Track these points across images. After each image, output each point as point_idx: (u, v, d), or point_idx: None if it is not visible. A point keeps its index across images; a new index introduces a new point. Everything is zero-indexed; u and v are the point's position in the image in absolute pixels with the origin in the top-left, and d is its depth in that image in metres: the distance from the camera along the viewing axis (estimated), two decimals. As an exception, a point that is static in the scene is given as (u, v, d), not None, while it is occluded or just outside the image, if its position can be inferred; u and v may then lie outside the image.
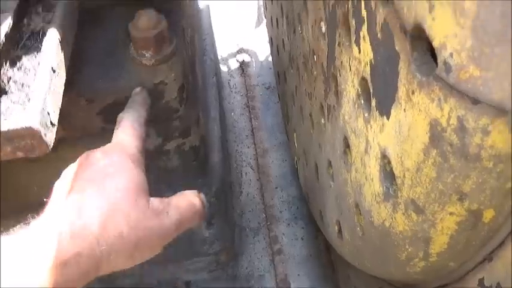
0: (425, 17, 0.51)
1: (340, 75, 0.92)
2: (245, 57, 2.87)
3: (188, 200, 1.09)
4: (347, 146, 0.96)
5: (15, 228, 0.90)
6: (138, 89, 1.30)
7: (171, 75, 1.35)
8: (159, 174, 1.57)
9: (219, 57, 2.77)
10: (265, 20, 2.80)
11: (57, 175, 1.45)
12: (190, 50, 1.72)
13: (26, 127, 1.00)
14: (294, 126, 1.72)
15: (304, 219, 2.12)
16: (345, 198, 1.03)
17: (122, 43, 1.39)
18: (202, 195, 1.14)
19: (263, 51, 2.87)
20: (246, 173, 2.29)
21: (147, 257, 1.00)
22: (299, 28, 1.30)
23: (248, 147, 2.39)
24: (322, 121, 1.15)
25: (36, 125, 1.00)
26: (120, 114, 1.22)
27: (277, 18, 1.82)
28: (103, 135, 1.45)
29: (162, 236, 1.01)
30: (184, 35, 1.57)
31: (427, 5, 0.50)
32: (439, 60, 0.51)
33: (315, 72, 1.16)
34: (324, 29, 1.02)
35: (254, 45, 2.94)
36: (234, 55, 2.91)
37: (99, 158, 1.05)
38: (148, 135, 1.44)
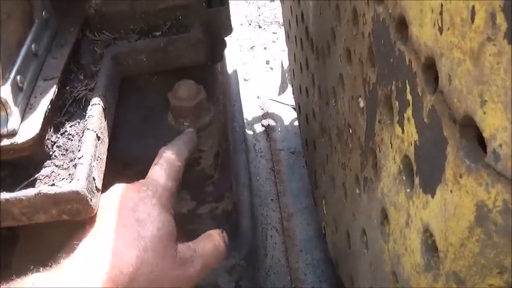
0: (477, 110, 0.56)
1: (380, 150, 0.96)
2: (270, 122, 2.92)
3: (213, 244, 1.16)
4: (385, 217, 0.99)
5: (50, 265, 0.94)
6: (190, 129, 1.34)
7: (208, 143, 1.40)
8: (191, 238, 1.60)
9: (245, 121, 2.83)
10: (289, 86, 2.87)
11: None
12: (223, 117, 1.78)
13: (73, 191, 1.04)
14: (323, 193, 1.75)
15: (328, 281, 2.14)
16: (381, 266, 1.06)
17: (160, 111, 1.45)
18: (224, 235, 1.21)
19: (288, 116, 2.92)
20: (271, 236, 2.32)
21: None
22: (333, 101, 1.35)
23: (273, 210, 2.42)
24: (357, 191, 1.19)
25: (83, 190, 1.05)
26: (162, 149, 1.25)
27: (306, 88, 1.87)
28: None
29: (186, 283, 1.07)
30: (219, 102, 1.63)
31: (479, 100, 0.55)
32: (489, 149, 0.56)
33: (350, 145, 1.21)
34: (362, 105, 1.07)
35: (279, 109, 3.00)
36: (259, 119, 2.97)
37: (131, 199, 1.10)
38: (183, 198, 1.48)
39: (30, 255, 1.58)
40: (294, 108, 2.83)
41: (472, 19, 0.55)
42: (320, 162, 1.73)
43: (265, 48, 3.89)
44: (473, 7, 0.54)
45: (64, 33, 1.41)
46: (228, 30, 1.53)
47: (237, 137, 2.18)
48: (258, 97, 3.19)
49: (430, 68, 0.70)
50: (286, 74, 3.21)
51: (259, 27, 4.23)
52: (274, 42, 3.97)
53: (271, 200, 2.48)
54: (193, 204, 1.53)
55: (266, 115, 2.99)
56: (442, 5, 0.62)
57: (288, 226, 2.36)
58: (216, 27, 1.50)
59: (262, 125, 2.93)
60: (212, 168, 1.45)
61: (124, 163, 1.43)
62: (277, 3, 4.23)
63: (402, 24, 0.79)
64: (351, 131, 1.19)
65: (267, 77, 3.47)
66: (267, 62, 3.68)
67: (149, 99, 1.50)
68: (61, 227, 1.48)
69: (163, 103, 1.42)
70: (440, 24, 0.63)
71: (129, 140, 1.42)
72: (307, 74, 1.82)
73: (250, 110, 3.02)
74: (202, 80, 1.43)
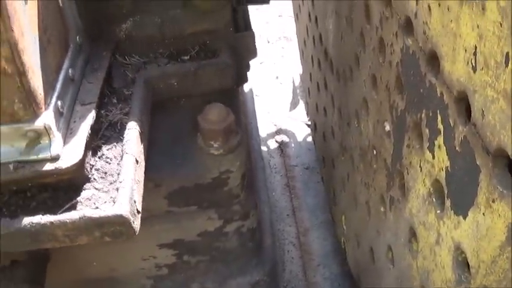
0: (510, 144, 0.62)
1: (408, 173, 1.02)
2: (284, 138, 2.97)
3: None
4: (413, 235, 1.05)
5: None
6: None
7: (236, 164, 1.45)
8: (217, 255, 1.66)
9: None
10: (301, 102, 2.92)
11: (119, 254, 1.52)
12: (247, 137, 1.84)
13: (117, 215, 1.10)
14: (343, 210, 1.81)
15: (345, 296, 2.19)
16: (409, 281, 1.12)
17: (189, 133, 1.50)
18: None
19: (301, 132, 2.97)
20: (288, 251, 2.37)
21: None
22: (355, 122, 1.41)
23: (290, 225, 2.47)
24: (382, 210, 1.24)
25: (127, 213, 1.10)
26: None
27: (324, 107, 1.93)
28: (167, 218, 1.55)
29: None
30: (243, 123, 1.69)
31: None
32: (521, 178, 0.62)
33: (374, 166, 1.27)
34: (388, 128, 1.13)
35: (292, 125, 3.05)
36: (272, 135, 3.02)
37: None
38: (210, 217, 1.54)
39: (62, 273, 1.64)
40: (307, 125, 2.88)
41: (506, 63, 0.61)
42: (340, 180, 1.78)
43: (274, 63, 3.95)
44: (507, 53, 0.60)
45: (97, 58, 1.46)
46: (254, 54, 1.59)
47: (256, 155, 2.24)
48: (269, 112, 3.24)
49: (462, 100, 0.76)
50: (298, 90, 3.27)
51: (268, 42, 4.30)
52: (283, 57, 4.03)
53: (287, 215, 2.53)
54: (221, 222, 1.59)
55: (279, 131, 3.04)
56: (476, 47, 0.68)
57: (304, 241, 2.41)
58: (242, 51, 1.56)
59: (276, 141, 2.98)
60: (239, 188, 1.51)
61: (155, 183, 1.48)
62: (286, 19, 4.29)
63: (433, 58, 0.85)
64: (375, 153, 1.25)
65: (277, 92, 3.53)
66: (277, 77, 3.75)
67: (178, 121, 1.55)
68: (91, 246, 1.54)
69: (192, 125, 1.48)
70: (473, 64, 0.69)
71: (160, 161, 1.47)
72: (325, 94, 1.88)
73: (262, 126, 3.07)
74: (228, 102, 1.48)
